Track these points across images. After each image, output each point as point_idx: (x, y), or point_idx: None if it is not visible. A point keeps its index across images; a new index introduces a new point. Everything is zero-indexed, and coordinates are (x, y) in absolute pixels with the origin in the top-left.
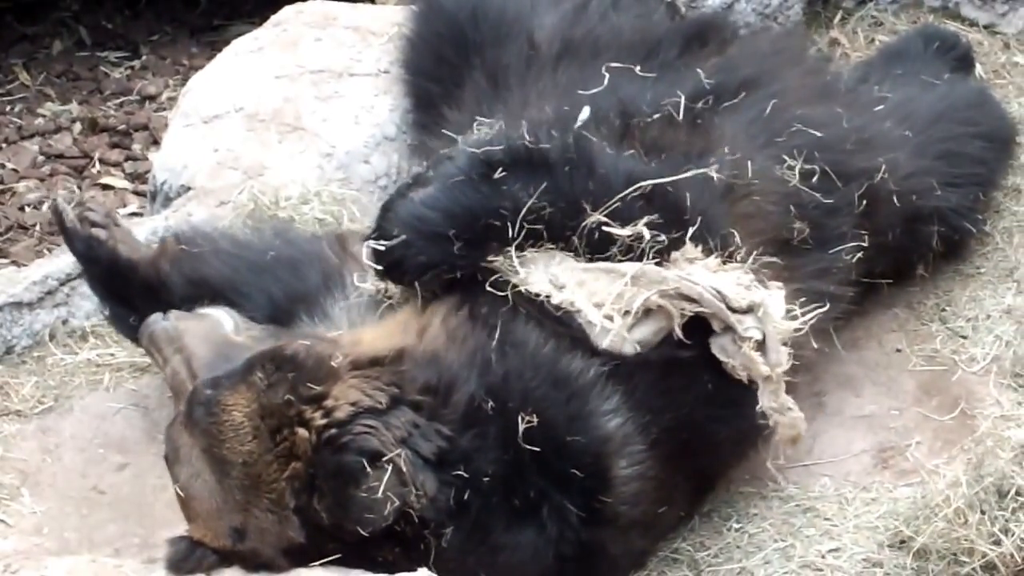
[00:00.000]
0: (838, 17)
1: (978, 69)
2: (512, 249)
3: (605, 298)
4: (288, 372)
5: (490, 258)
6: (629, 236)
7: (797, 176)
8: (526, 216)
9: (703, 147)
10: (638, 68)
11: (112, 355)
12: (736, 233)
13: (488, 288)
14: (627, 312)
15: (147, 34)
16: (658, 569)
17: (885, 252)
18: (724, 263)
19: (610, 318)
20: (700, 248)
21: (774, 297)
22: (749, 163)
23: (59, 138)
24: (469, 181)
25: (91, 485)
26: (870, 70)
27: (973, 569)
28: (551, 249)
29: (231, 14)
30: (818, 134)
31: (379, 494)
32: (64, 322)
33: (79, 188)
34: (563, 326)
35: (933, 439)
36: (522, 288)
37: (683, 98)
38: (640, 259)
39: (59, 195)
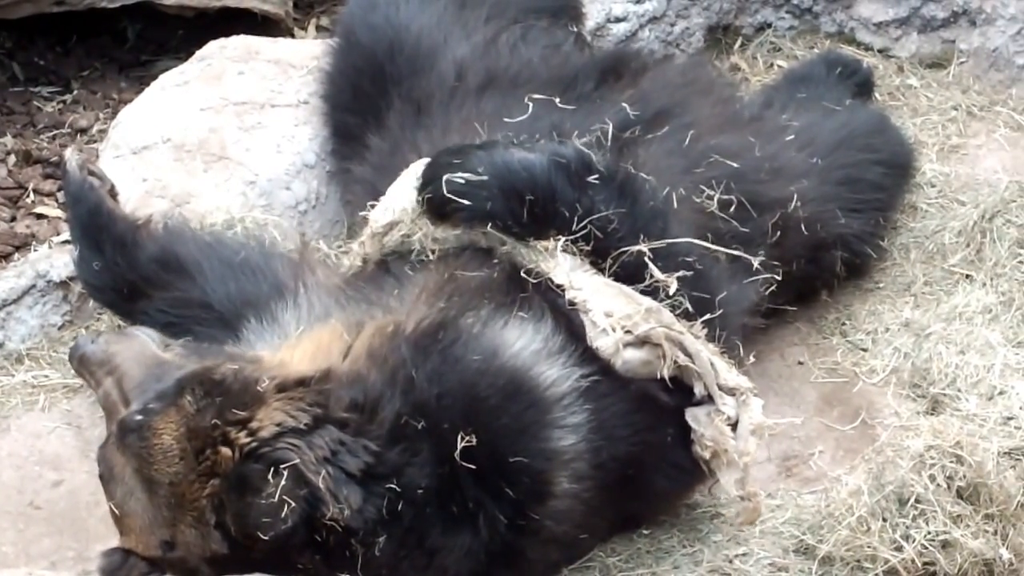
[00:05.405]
0: (738, 43)
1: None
2: (562, 239)
3: (616, 312)
4: (216, 397)
5: (540, 239)
6: (661, 281)
7: (716, 205)
8: (593, 220)
9: None
10: (558, 100)
11: (47, 377)
12: (741, 346)
13: (522, 275)
14: (629, 332)
15: (78, 70)
16: (571, 575)
17: (791, 281)
18: (723, 355)
19: (613, 329)
20: (706, 333)
21: (756, 399)
22: (672, 192)
23: None
24: (567, 169)
25: (27, 501)
26: (775, 94)
27: (876, 575)
28: (586, 257)
29: (158, 50)
30: (734, 164)
31: (276, 499)
32: (1, 345)
33: (14, 218)
34: (567, 320)
35: (835, 448)
36: (549, 275)
37: (611, 126)
38: None
39: (70, 148)
